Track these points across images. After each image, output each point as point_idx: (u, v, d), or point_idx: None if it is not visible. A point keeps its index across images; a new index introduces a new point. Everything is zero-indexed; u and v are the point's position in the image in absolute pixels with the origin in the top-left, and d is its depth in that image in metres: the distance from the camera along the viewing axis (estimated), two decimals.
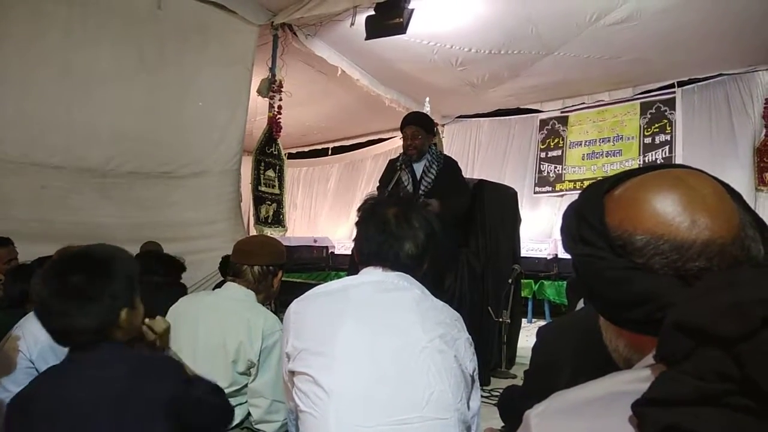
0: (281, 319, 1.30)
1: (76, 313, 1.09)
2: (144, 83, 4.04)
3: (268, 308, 3.80)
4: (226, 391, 1.64)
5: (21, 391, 1.13)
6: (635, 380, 0.53)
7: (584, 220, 0.62)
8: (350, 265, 3.75)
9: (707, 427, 0.44)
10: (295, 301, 1.23)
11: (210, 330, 1.69)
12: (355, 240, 1.30)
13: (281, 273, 1.89)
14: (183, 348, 1.66)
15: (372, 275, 1.23)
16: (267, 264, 1.82)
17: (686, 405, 0.46)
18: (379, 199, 1.33)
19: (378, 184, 3.51)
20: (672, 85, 6.78)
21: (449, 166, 3.41)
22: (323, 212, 9.90)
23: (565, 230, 0.66)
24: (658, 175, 0.62)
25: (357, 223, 1.31)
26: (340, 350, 1.08)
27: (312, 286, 1.29)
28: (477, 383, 1.20)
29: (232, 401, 1.66)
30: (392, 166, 3.43)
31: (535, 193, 7.73)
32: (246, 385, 1.70)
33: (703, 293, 0.48)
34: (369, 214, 1.29)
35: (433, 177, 3.29)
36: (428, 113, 5.06)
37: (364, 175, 9.42)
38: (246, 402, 1.71)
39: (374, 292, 1.18)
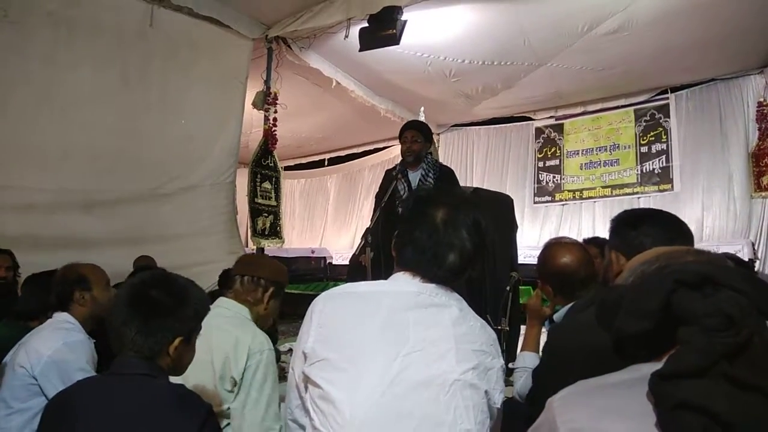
0: (278, 333, 1.26)
1: (137, 324, 1.14)
2: (124, 104, 4.03)
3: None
4: (221, 410, 1.58)
5: (60, 392, 1.18)
6: (653, 370, 0.59)
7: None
8: (349, 274, 3.74)
9: (716, 401, 0.50)
10: (322, 295, 1.14)
11: (199, 347, 1.64)
12: (397, 237, 1.19)
13: (272, 290, 1.81)
14: None
15: (408, 285, 1.12)
16: (259, 276, 1.78)
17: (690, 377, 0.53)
18: (428, 196, 1.22)
19: (376, 197, 3.50)
20: (665, 92, 6.85)
21: (446, 175, 3.41)
22: (324, 224, 9.92)
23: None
24: None
25: (401, 221, 1.20)
26: (365, 372, 1.00)
27: (310, 296, 1.25)
28: (500, 414, 1.12)
29: (227, 421, 1.60)
30: (389, 176, 3.43)
31: (535, 203, 7.76)
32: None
33: None
34: (417, 214, 1.17)
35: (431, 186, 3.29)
36: None
37: (363, 186, 9.46)
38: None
39: (410, 307, 1.08)
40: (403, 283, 1.13)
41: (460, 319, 1.09)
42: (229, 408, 1.60)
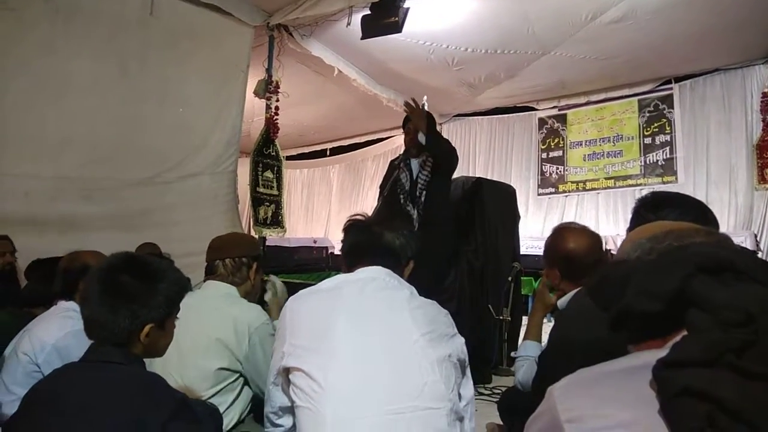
0: None
1: (107, 309, 1.13)
2: (122, 93, 3.99)
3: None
4: (215, 390, 1.61)
5: (41, 381, 1.17)
6: (656, 358, 0.58)
7: None
8: None
9: (721, 388, 0.50)
10: (290, 298, 1.28)
11: (194, 331, 1.61)
12: (341, 251, 1.40)
13: (256, 265, 1.87)
14: (167, 352, 1.62)
15: (364, 272, 1.30)
16: (237, 256, 1.82)
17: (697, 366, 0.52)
18: (361, 218, 1.46)
19: (380, 187, 3.48)
20: (668, 82, 6.78)
21: None
22: (328, 214, 9.92)
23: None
24: None
25: (342, 240, 1.41)
26: (334, 346, 1.12)
27: (311, 286, 1.33)
28: (468, 371, 1.26)
29: (216, 399, 1.61)
30: (392, 167, 3.42)
31: (539, 194, 7.73)
32: (232, 382, 1.64)
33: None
34: (351, 225, 1.42)
35: (428, 171, 3.27)
36: None
37: (366, 176, 9.45)
38: (233, 404, 1.65)
39: (367, 291, 1.24)
40: (359, 272, 1.31)
41: (412, 298, 1.26)
42: (226, 386, 1.63)
